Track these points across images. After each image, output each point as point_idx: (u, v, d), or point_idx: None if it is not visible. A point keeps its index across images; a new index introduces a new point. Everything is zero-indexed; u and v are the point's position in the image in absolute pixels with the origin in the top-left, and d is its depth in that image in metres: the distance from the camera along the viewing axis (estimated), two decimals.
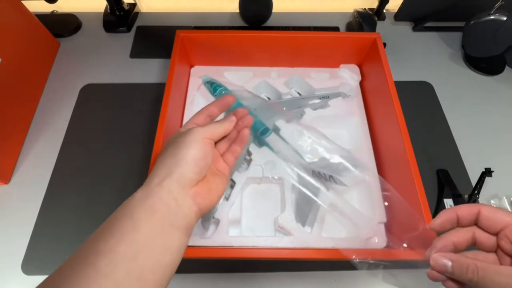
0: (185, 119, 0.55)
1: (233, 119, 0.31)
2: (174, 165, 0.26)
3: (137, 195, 0.25)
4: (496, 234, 0.24)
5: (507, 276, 0.21)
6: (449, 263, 0.24)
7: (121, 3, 0.76)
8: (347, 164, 0.51)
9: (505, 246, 0.23)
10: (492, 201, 0.54)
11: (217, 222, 0.46)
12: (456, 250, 0.25)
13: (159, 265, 0.23)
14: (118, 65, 0.70)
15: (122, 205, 0.25)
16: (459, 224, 0.26)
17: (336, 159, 0.52)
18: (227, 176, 0.31)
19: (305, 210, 0.47)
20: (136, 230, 0.23)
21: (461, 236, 0.25)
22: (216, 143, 0.30)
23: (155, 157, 0.43)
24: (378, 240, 0.45)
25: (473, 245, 0.26)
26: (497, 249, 0.25)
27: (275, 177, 0.50)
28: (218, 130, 0.29)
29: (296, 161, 0.49)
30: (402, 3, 0.71)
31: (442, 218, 0.26)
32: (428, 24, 0.75)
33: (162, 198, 0.25)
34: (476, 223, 0.25)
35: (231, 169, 0.31)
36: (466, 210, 0.25)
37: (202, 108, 0.32)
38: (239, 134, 0.32)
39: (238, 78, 0.60)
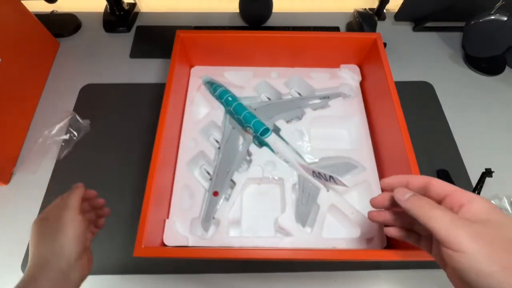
0: (185, 119, 0.55)
1: (80, 185, 0.35)
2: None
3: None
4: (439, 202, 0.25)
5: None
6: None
7: (121, 3, 0.76)
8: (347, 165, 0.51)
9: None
10: (492, 201, 0.54)
11: (217, 223, 0.46)
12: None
13: None
14: (118, 65, 0.70)
15: None
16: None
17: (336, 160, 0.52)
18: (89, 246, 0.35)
19: (305, 210, 0.47)
20: None
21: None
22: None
23: (155, 157, 0.43)
24: (378, 240, 0.45)
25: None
26: None
27: (275, 178, 0.50)
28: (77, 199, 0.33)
29: (296, 161, 0.49)
30: (402, 3, 0.71)
31: (394, 180, 0.28)
32: (428, 24, 0.75)
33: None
34: (424, 193, 0.26)
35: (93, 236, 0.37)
36: (419, 180, 0.27)
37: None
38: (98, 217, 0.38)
39: (238, 78, 0.60)
